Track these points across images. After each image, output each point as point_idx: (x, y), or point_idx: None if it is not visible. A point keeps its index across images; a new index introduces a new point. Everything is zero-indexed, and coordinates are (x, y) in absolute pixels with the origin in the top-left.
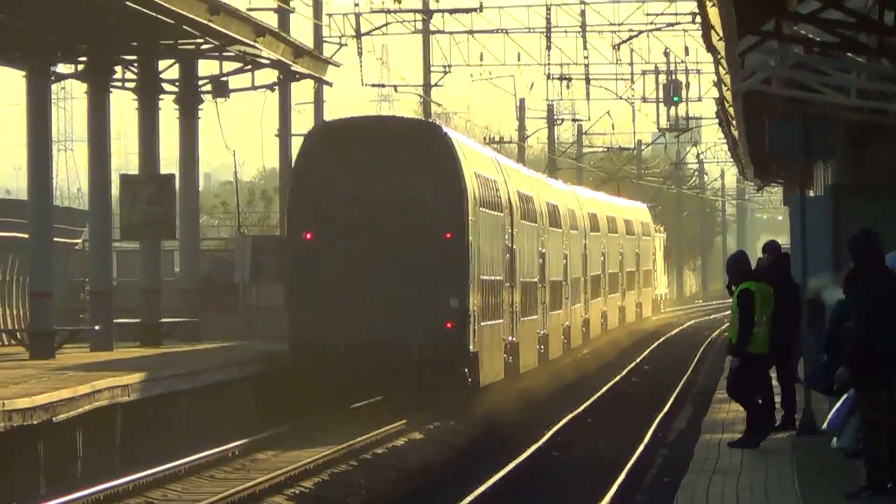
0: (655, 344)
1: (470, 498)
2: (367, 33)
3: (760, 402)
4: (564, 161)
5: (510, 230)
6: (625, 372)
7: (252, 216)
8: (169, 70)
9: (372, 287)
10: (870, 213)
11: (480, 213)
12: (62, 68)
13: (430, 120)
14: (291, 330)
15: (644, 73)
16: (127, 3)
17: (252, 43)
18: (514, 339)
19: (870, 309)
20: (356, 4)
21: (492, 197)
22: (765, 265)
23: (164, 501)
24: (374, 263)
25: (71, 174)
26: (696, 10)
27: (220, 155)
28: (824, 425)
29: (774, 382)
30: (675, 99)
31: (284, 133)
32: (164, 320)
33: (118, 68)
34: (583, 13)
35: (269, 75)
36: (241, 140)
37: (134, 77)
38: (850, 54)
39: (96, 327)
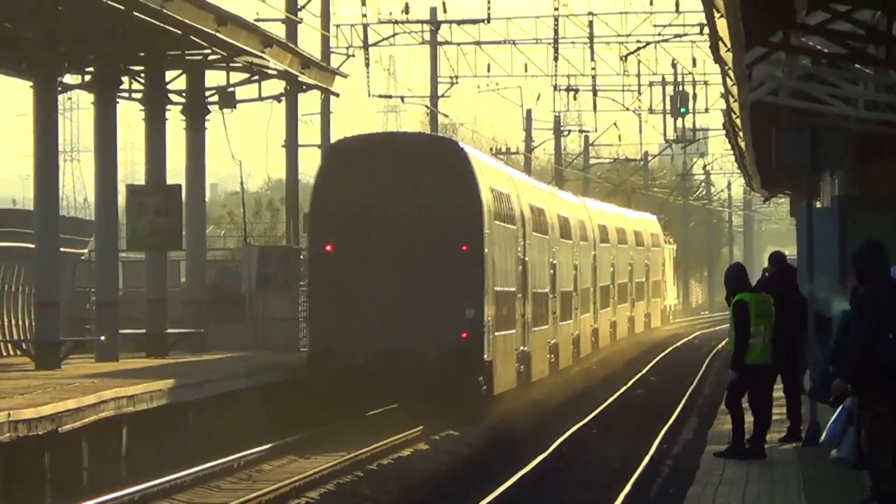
0: (662, 355)
1: None
2: (375, 44)
3: (757, 411)
4: (571, 172)
5: (523, 242)
6: (631, 383)
7: (258, 227)
8: (176, 81)
9: (390, 298)
10: (877, 224)
11: (495, 225)
12: (69, 79)
13: (448, 136)
14: (311, 339)
15: (651, 84)
16: (135, 13)
17: (259, 54)
18: (525, 348)
19: (868, 321)
20: (364, 15)
21: (505, 210)
22: (768, 276)
23: None
24: (393, 275)
25: (77, 184)
26: (704, 22)
27: (227, 165)
28: (822, 437)
29: (780, 394)
30: (682, 110)
31: (291, 144)
32: (169, 331)
33: (125, 79)
34: (590, 24)
35: (276, 86)
36: (247, 150)
37: (141, 87)
38: (857, 66)
39: (102, 338)
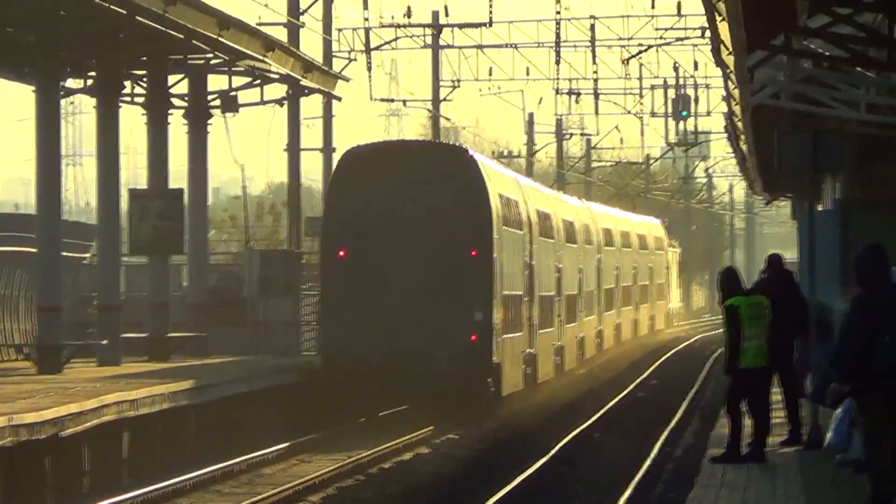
0: (664, 357)
1: None
2: (377, 48)
3: (755, 415)
4: (573, 175)
5: (529, 247)
6: (632, 386)
7: (260, 231)
8: (178, 85)
9: (401, 301)
10: (878, 227)
11: (503, 231)
12: (72, 83)
13: (458, 144)
14: (325, 341)
15: (653, 87)
16: (137, 18)
17: (261, 58)
18: (532, 350)
19: (864, 324)
20: (366, 19)
21: (513, 216)
22: (764, 278)
23: None
24: (404, 279)
25: (80, 189)
26: (706, 25)
27: (229, 169)
28: (826, 442)
29: (779, 397)
30: (684, 113)
31: (293, 148)
32: (171, 335)
33: (127, 83)
34: (592, 28)
35: (278, 90)
36: (249, 154)
37: (143, 92)
38: (859, 69)
39: (104, 342)
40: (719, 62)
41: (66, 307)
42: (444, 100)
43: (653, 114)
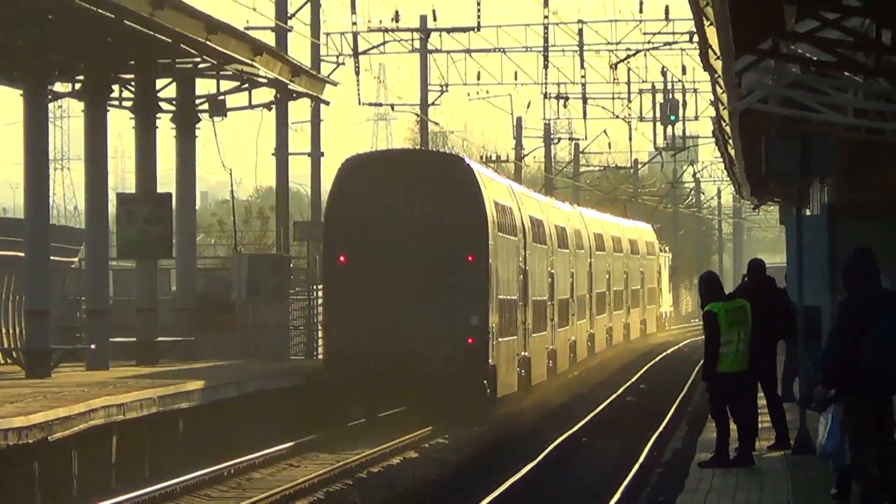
0: (653, 361)
1: None
2: (365, 52)
3: (739, 419)
4: (561, 180)
5: (523, 252)
6: (621, 390)
7: (249, 235)
8: (166, 89)
9: (400, 305)
10: (866, 231)
11: (498, 237)
12: (59, 87)
13: (455, 153)
14: (327, 344)
15: (641, 91)
16: (125, 21)
17: (249, 62)
18: (526, 353)
19: (849, 327)
20: (354, 23)
21: (508, 222)
22: (746, 283)
23: None
24: (402, 284)
25: (68, 192)
26: (694, 30)
27: (217, 173)
28: (818, 449)
29: (762, 402)
30: (672, 118)
31: (281, 152)
32: (160, 339)
33: (115, 87)
34: (580, 32)
35: (266, 94)
36: (238, 158)
37: (131, 95)
38: (847, 73)
39: (92, 346)
40: (707, 67)
41: (54, 311)
42: (433, 104)
43: (641, 118)
